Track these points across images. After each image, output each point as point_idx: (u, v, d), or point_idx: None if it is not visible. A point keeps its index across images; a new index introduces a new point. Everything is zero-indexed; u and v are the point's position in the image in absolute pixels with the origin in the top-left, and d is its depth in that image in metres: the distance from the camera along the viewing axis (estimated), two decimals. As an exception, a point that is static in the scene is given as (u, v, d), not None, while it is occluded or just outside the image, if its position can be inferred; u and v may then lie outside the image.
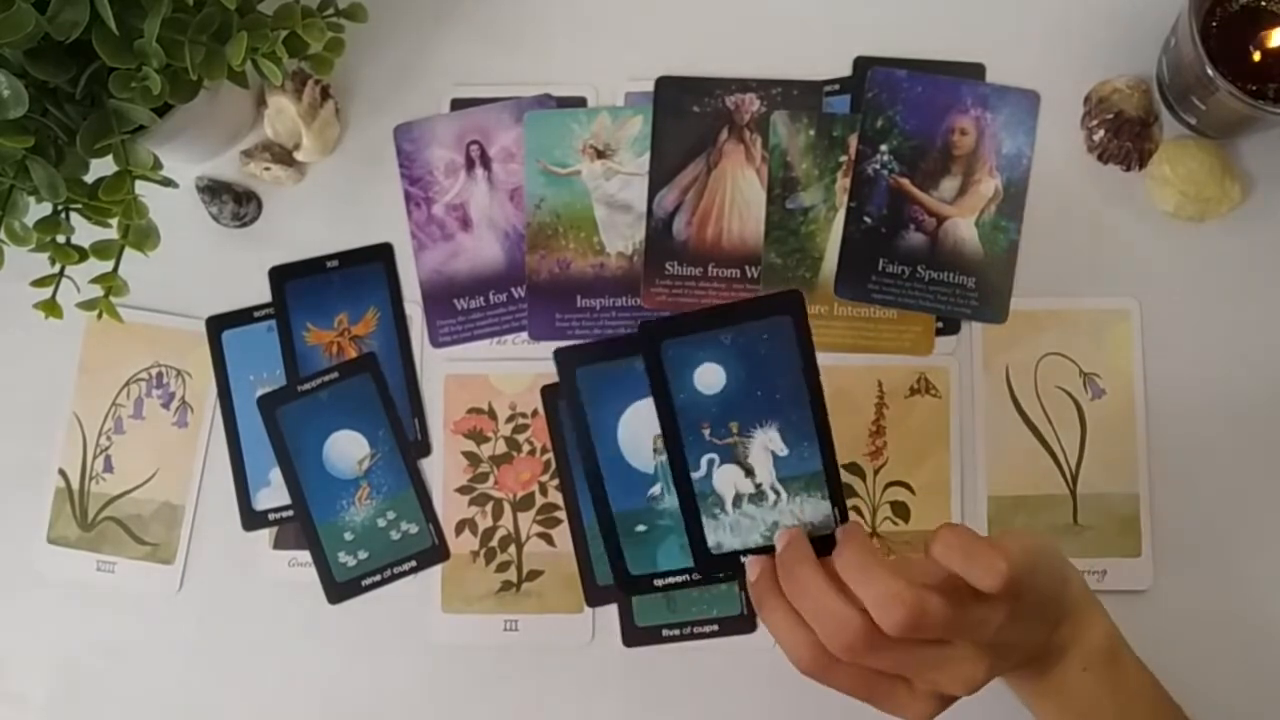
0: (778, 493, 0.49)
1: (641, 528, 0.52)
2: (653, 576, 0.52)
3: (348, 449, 0.63)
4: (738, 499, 0.49)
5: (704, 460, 0.49)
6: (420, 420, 0.63)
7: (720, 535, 0.49)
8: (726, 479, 0.49)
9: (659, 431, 0.49)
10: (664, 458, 0.50)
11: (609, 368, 0.51)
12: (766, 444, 0.49)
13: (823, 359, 0.47)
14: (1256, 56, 0.58)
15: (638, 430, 0.51)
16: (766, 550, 0.48)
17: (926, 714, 0.45)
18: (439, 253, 0.64)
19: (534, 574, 0.62)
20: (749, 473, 0.49)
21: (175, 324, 0.64)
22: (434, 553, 0.62)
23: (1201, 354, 0.62)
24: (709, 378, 0.49)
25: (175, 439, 0.64)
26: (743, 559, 0.49)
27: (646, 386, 0.49)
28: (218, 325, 0.64)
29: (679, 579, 0.52)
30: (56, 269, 0.53)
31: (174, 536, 0.63)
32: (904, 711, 0.45)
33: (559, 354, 0.52)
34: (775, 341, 0.48)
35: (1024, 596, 0.43)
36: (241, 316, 0.64)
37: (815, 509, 0.49)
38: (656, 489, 0.52)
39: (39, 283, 0.53)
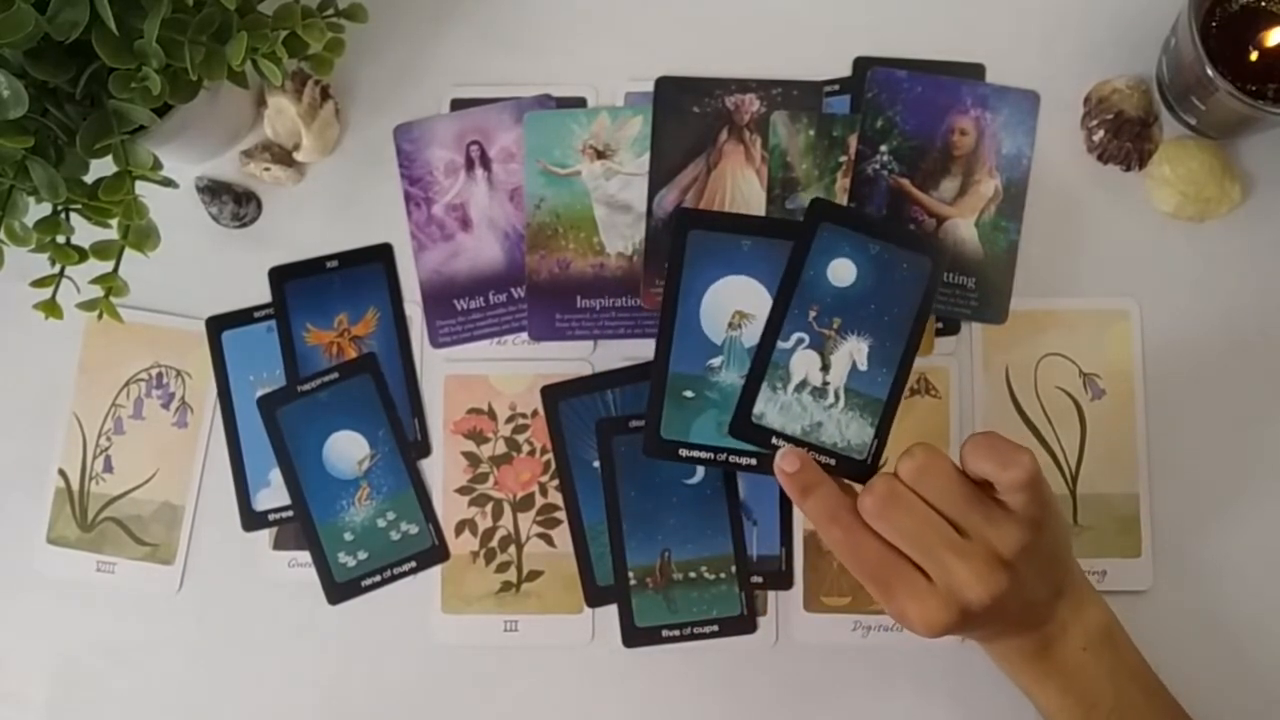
0: (838, 398, 0.53)
1: (689, 393, 0.55)
2: (680, 445, 0.55)
3: (348, 449, 0.63)
4: (802, 384, 0.53)
5: (794, 336, 0.53)
6: (420, 420, 0.63)
7: (767, 408, 0.53)
8: (803, 362, 0.53)
9: (740, 309, 0.54)
10: (737, 334, 0.54)
11: (720, 238, 0.54)
12: (853, 352, 0.52)
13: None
14: (1256, 56, 0.58)
15: (722, 302, 0.55)
16: (798, 444, 0.52)
17: (936, 618, 0.46)
18: (439, 253, 0.64)
19: (534, 574, 0.62)
20: (825, 368, 0.52)
21: (175, 324, 0.64)
22: (434, 553, 0.62)
23: (1201, 354, 0.62)
24: (842, 272, 0.53)
25: (175, 439, 0.64)
26: (774, 441, 0.53)
27: (747, 266, 0.54)
28: (218, 325, 0.64)
29: (705, 455, 0.55)
30: (56, 269, 0.53)
31: (174, 537, 0.63)
32: (917, 605, 0.46)
33: (679, 212, 0.58)
34: (910, 273, 0.53)
35: (1043, 532, 0.47)
36: (241, 317, 0.64)
37: (859, 432, 0.53)
38: (717, 360, 0.55)
39: (39, 283, 0.53)
